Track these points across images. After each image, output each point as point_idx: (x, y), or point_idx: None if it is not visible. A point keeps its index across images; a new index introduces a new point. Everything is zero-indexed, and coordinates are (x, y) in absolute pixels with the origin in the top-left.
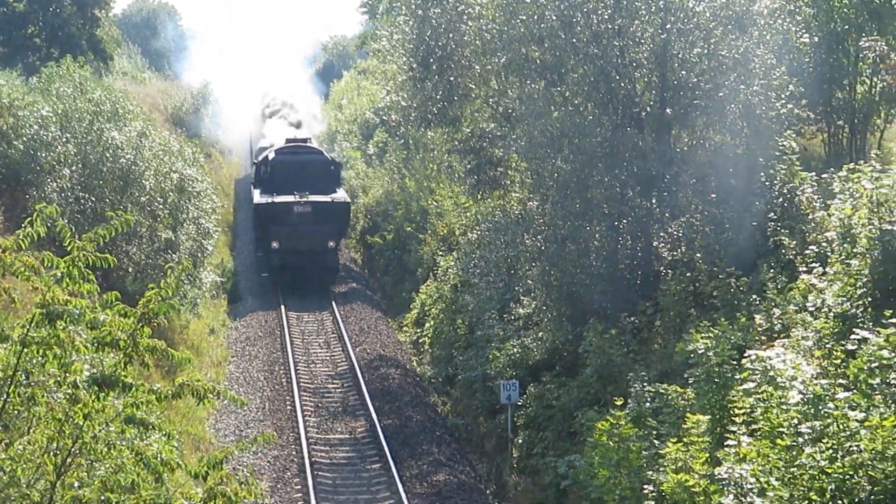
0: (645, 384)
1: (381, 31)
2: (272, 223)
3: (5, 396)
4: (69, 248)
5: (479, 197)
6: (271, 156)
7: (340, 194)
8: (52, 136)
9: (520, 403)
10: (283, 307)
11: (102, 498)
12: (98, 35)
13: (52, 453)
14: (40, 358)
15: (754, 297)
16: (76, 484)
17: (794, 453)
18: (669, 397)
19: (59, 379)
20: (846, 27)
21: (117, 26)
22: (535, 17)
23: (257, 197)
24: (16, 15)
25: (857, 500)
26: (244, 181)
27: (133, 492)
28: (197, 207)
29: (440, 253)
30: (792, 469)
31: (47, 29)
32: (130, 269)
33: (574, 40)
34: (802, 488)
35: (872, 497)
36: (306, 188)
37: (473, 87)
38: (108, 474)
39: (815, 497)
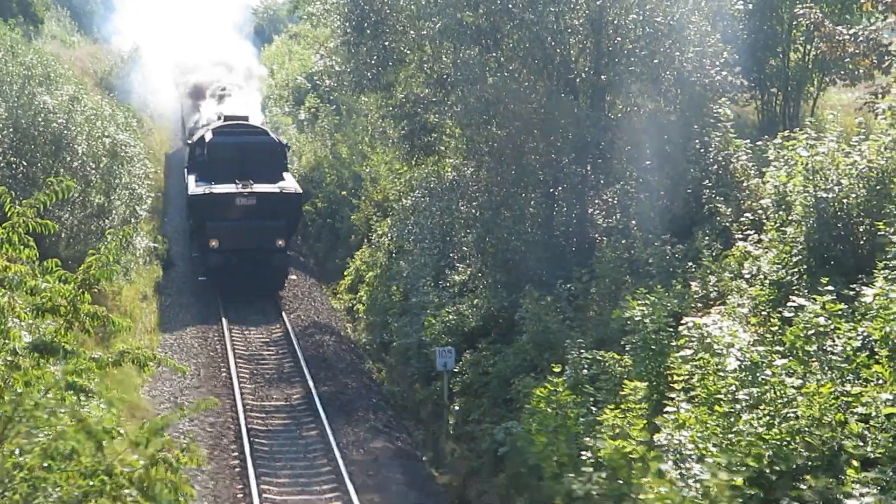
0: (582, 351)
1: None
2: (210, 218)
3: None
4: (9, 214)
5: (414, 163)
6: (208, 136)
7: (290, 183)
8: None
9: (455, 370)
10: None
11: (44, 465)
12: None
13: None
14: None
15: (690, 264)
16: (17, 451)
17: (732, 420)
18: (606, 364)
19: None
20: None
21: None
22: None
23: (192, 185)
24: None
25: (793, 465)
26: (176, 156)
27: (73, 459)
28: (129, 173)
29: (375, 219)
30: (730, 435)
31: None
32: (63, 235)
33: (509, 5)
34: (740, 454)
35: (809, 463)
36: (250, 175)
37: (408, 52)
38: (48, 441)
39: (752, 463)
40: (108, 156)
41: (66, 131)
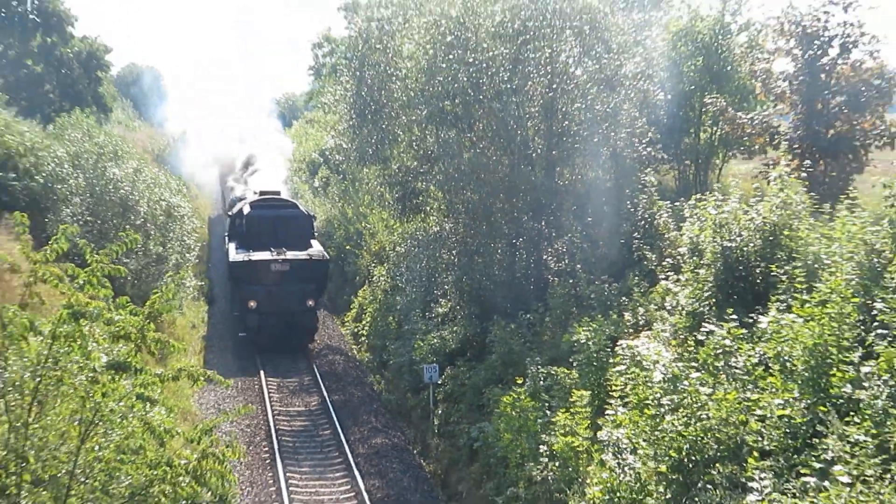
0: (539, 367)
1: (327, 88)
2: (248, 282)
3: (38, 379)
4: (89, 261)
5: (405, 220)
6: (246, 209)
7: (317, 249)
8: (66, 173)
9: (439, 383)
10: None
11: (118, 458)
12: (100, 92)
13: (76, 423)
14: (66, 348)
15: (623, 298)
16: (96, 447)
17: (657, 420)
18: (558, 377)
19: (81, 364)
20: (692, 87)
21: (114, 84)
22: (450, 78)
23: (233, 252)
24: (34, 75)
25: (706, 456)
26: (216, 218)
27: (140, 453)
28: (181, 228)
29: (373, 265)
30: (656, 433)
31: (59, 87)
32: (129, 278)
33: (480, 97)
34: (664, 447)
35: (718, 454)
36: (283, 243)
37: (400, 133)
38: (121, 440)
39: (673, 454)
40: (164, 215)
41: (130, 196)
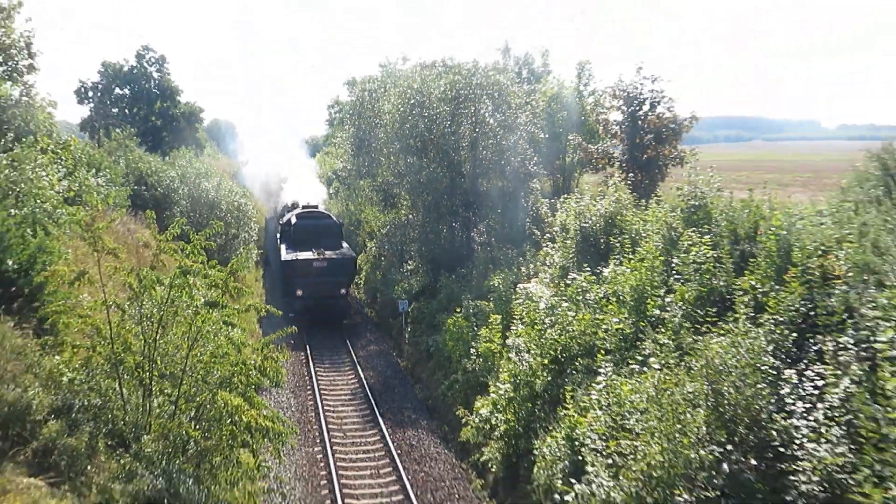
0: (469, 301)
1: (337, 133)
2: (296, 276)
3: (162, 312)
4: (192, 240)
5: (386, 213)
6: (293, 220)
7: (346, 249)
8: (176, 186)
9: (408, 311)
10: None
11: (211, 360)
12: (197, 136)
13: (187, 339)
14: (179, 293)
15: (521, 258)
16: (198, 354)
17: (542, 332)
18: (481, 307)
19: (188, 303)
20: (560, 130)
21: (205, 131)
22: (413, 125)
23: (284, 253)
24: (156, 127)
25: (571, 354)
26: (269, 220)
27: (226, 357)
28: (248, 219)
29: (367, 240)
30: (541, 340)
31: (172, 134)
32: (216, 250)
33: (432, 136)
34: (546, 349)
35: (579, 352)
36: (321, 245)
37: (382, 159)
38: (214, 349)
39: (552, 353)
40: (237, 211)
41: (215, 199)
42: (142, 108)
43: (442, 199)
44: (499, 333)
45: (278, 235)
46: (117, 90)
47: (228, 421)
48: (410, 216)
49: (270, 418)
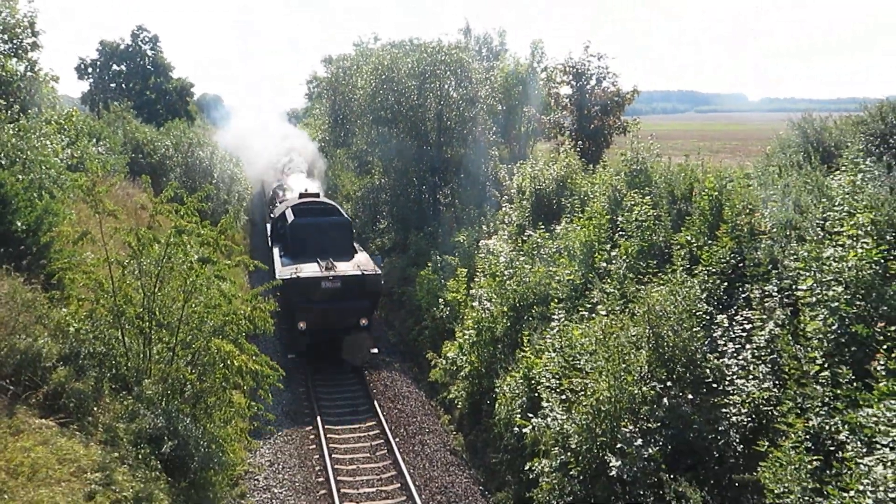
0: (437, 256)
1: (315, 106)
2: (298, 301)
3: (160, 268)
4: (186, 202)
5: (361, 178)
6: (290, 217)
7: (366, 261)
8: (171, 153)
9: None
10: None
11: (205, 311)
12: (188, 109)
13: (182, 292)
14: (175, 250)
15: (482, 217)
16: (193, 305)
17: (502, 283)
18: (448, 261)
19: (183, 259)
20: (516, 103)
21: (196, 104)
22: (384, 99)
23: (279, 267)
24: (151, 100)
25: (528, 302)
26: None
27: (218, 308)
28: (238, 184)
29: (344, 203)
30: (501, 290)
31: (165, 107)
32: (209, 212)
33: (401, 109)
34: (506, 298)
35: (534, 301)
36: (331, 253)
37: (357, 129)
38: (207, 299)
39: (510, 301)
40: (229, 178)
41: (209, 166)
42: (137, 83)
43: (410, 165)
44: (464, 285)
45: (268, 235)
46: (114, 67)
47: (221, 365)
48: (382, 181)
49: (259, 362)
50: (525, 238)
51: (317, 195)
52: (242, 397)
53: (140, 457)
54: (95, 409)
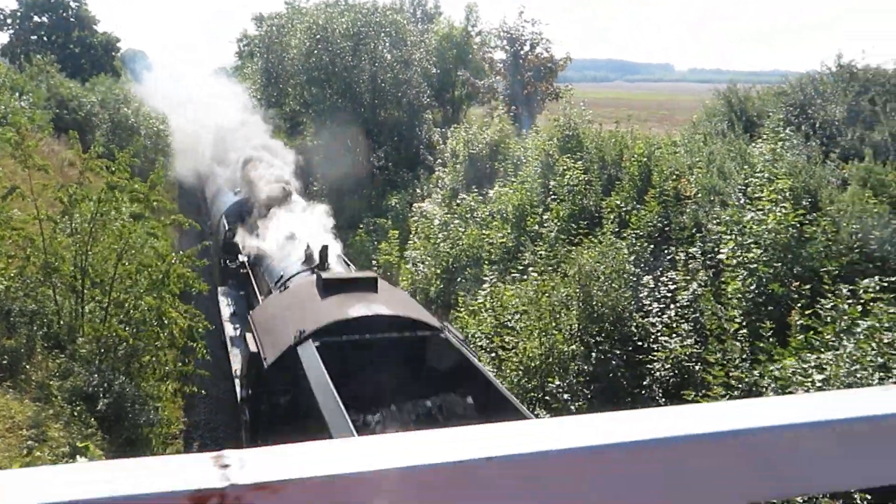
0: (370, 219)
1: (247, 64)
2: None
3: (93, 225)
4: (117, 157)
5: (292, 139)
6: (303, 340)
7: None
8: (97, 110)
9: None
10: None
11: (138, 268)
12: (114, 65)
13: (115, 249)
14: (107, 207)
15: (416, 181)
16: (126, 263)
17: (436, 246)
18: (381, 224)
19: (115, 216)
20: (451, 66)
21: (120, 59)
22: (319, 58)
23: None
24: (75, 54)
25: (461, 264)
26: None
27: (151, 266)
28: (164, 140)
29: None
30: (435, 253)
31: (90, 61)
32: (138, 170)
33: (335, 69)
34: (440, 260)
35: (467, 263)
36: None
37: (290, 90)
38: (140, 258)
39: (444, 263)
40: (154, 134)
41: (135, 123)
42: (60, 36)
43: (344, 127)
44: (397, 247)
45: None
46: (35, 18)
47: (155, 323)
48: (315, 142)
49: (191, 318)
50: (459, 201)
51: (325, 249)
52: (174, 356)
53: (75, 413)
54: (27, 366)
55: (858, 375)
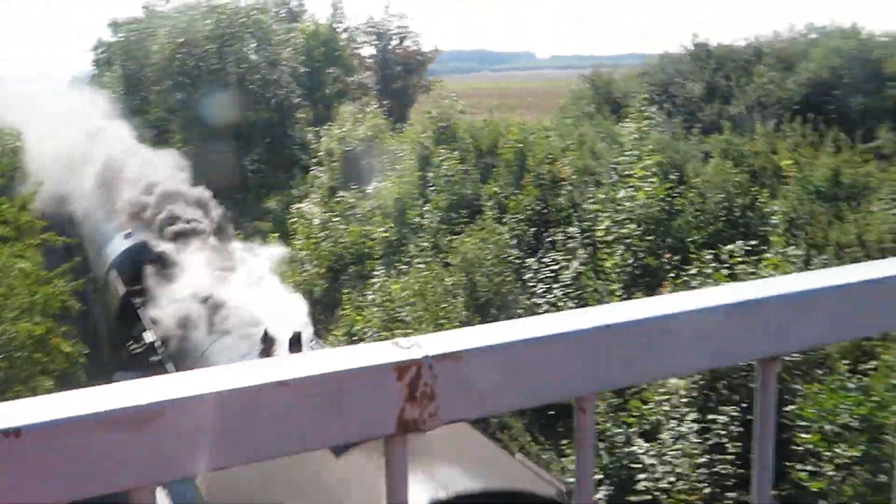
0: (248, 224)
1: (104, 73)
2: None
3: None
4: None
5: (160, 146)
6: None
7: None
8: None
9: None
10: None
11: (8, 292)
12: None
13: None
14: None
15: (292, 182)
16: None
17: (318, 245)
18: (260, 227)
19: None
20: (320, 64)
21: None
22: (183, 62)
23: None
24: None
25: (345, 262)
26: None
27: (21, 290)
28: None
29: None
30: (318, 252)
31: None
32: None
33: (201, 73)
34: (323, 259)
35: (351, 261)
36: None
37: (153, 97)
38: (10, 281)
39: (327, 263)
40: (11, 151)
41: None
42: None
43: (213, 131)
44: None
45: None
46: None
47: (30, 349)
48: (184, 149)
49: (67, 343)
50: (338, 199)
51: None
52: (54, 382)
53: None
54: None
55: None
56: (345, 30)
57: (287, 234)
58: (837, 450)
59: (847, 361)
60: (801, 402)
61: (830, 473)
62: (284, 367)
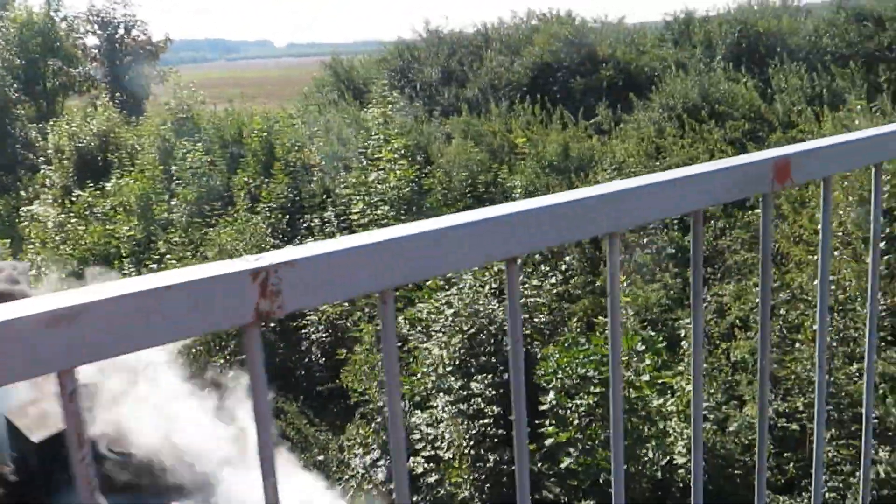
0: None
1: None
2: None
3: None
4: None
5: None
6: None
7: None
8: None
9: None
10: None
11: None
12: None
13: None
14: None
15: (18, 183)
16: None
17: (56, 249)
18: None
19: None
20: (38, 55)
21: None
22: None
23: None
24: None
25: (89, 264)
26: None
27: None
28: None
29: None
30: (55, 257)
31: None
32: None
33: None
34: (62, 263)
35: (95, 261)
36: None
37: None
38: None
39: (69, 267)
40: None
41: None
42: None
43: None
44: (9, 257)
45: None
46: None
47: None
48: None
49: None
50: (74, 199)
51: None
52: None
53: None
54: None
55: (480, 302)
56: (63, 19)
57: (20, 239)
58: (578, 401)
59: (577, 321)
60: (543, 363)
61: (577, 423)
62: (171, 275)
